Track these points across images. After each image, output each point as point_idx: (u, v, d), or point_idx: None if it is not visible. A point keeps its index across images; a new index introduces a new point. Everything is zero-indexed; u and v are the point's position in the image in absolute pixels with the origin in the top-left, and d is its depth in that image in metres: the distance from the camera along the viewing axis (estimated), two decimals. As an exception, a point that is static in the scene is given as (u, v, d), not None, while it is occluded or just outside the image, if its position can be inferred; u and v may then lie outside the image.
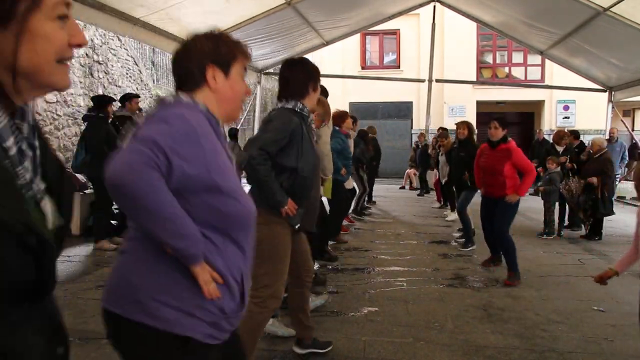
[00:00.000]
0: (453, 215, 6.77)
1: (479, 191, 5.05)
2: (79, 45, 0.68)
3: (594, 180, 5.77)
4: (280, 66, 2.35)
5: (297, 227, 2.22)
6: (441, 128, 8.83)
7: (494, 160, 4.20)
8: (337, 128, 4.75)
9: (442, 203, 8.50)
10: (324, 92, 3.67)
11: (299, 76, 2.23)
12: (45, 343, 0.74)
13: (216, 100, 1.20)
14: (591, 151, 6.20)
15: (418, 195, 10.56)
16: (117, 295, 1.10)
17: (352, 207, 6.60)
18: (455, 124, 5.83)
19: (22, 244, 0.63)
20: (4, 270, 0.62)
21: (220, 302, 1.11)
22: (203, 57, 1.19)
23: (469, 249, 5.23)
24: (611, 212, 5.97)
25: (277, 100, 2.29)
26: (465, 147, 5.28)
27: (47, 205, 0.72)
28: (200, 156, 1.07)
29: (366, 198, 8.00)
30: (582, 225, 6.33)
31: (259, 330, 2.21)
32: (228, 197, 1.11)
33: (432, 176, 11.06)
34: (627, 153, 9.33)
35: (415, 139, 14.14)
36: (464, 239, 5.45)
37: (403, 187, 11.85)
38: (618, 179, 8.82)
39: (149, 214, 1.01)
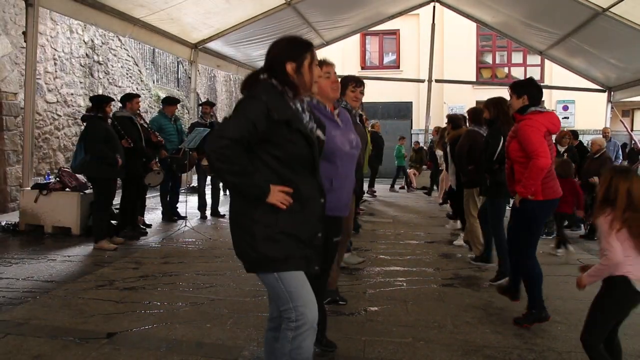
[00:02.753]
0: (460, 241, 5.32)
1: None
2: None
3: (596, 180, 5.75)
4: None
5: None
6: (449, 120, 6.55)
7: (509, 139, 3.11)
8: None
9: (453, 216, 6.38)
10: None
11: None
12: (317, 193, 1.79)
13: (319, 93, 2.33)
14: (590, 151, 6.22)
15: (425, 193, 10.59)
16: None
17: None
18: (478, 107, 4.61)
19: (305, 140, 1.73)
20: (299, 149, 1.71)
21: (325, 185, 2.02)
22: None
23: (482, 264, 4.40)
24: None
25: None
26: (488, 131, 4.04)
27: (318, 131, 1.85)
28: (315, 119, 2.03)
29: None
30: (582, 225, 6.35)
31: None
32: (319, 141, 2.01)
33: (427, 175, 10.98)
34: (620, 152, 9.35)
35: (415, 139, 14.16)
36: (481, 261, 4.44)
37: (403, 187, 11.85)
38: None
39: None
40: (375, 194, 9.92)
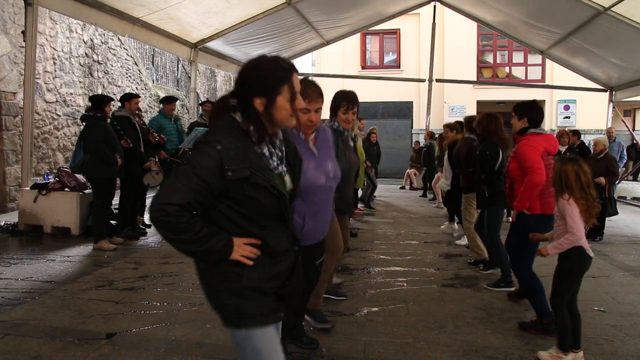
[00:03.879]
0: (464, 240, 5.29)
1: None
2: (301, 109, 1.72)
3: (602, 180, 5.69)
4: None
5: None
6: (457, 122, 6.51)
7: (510, 158, 3.34)
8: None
9: (450, 218, 6.54)
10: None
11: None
12: (288, 244, 1.53)
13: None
14: (592, 150, 6.16)
15: (420, 196, 10.36)
16: None
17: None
18: (473, 116, 4.84)
19: (270, 193, 1.42)
20: (263, 204, 1.42)
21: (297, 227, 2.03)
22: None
23: (492, 270, 4.25)
24: (616, 212, 5.94)
25: None
26: (482, 142, 4.12)
27: (287, 178, 1.53)
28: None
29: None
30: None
31: (328, 271, 2.83)
32: None
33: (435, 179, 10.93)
34: (625, 152, 9.33)
35: (415, 138, 14.15)
36: (482, 266, 4.42)
37: (403, 187, 11.84)
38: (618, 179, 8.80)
39: None
40: (372, 209, 8.24)
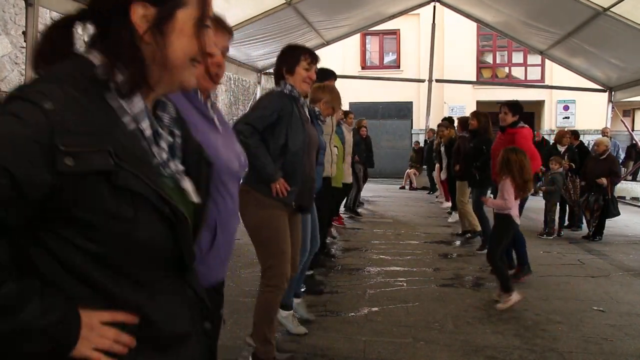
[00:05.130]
0: (455, 217, 6.54)
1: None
2: (209, 53, 0.84)
3: (604, 181, 5.69)
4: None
5: (293, 205, 2.30)
6: (444, 119, 7.89)
7: (499, 144, 4.13)
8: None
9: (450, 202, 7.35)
10: (327, 75, 3.56)
11: (277, 62, 2.42)
12: (191, 317, 0.79)
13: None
14: (595, 151, 6.14)
15: (428, 194, 10.42)
16: None
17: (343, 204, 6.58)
18: (467, 117, 5.76)
19: (158, 210, 0.69)
20: (141, 236, 0.68)
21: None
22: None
23: (484, 251, 4.69)
24: (618, 213, 5.93)
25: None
26: (475, 138, 5.12)
27: (187, 184, 0.79)
28: None
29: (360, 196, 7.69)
30: (586, 226, 6.18)
31: (272, 309, 2.34)
32: None
33: (437, 173, 11.01)
34: (621, 152, 9.34)
35: (415, 139, 14.16)
36: (468, 235, 5.51)
37: (403, 187, 11.85)
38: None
39: None
40: (358, 215, 7.37)
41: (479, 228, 5.26)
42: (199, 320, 0.81)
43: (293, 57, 2.35)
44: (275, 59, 2.41)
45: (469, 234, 5.60)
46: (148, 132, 0.74)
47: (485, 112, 5.14)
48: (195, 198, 0.79)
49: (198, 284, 0.83)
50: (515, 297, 3.29)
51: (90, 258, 0.67)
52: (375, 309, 3.33)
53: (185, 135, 0.84)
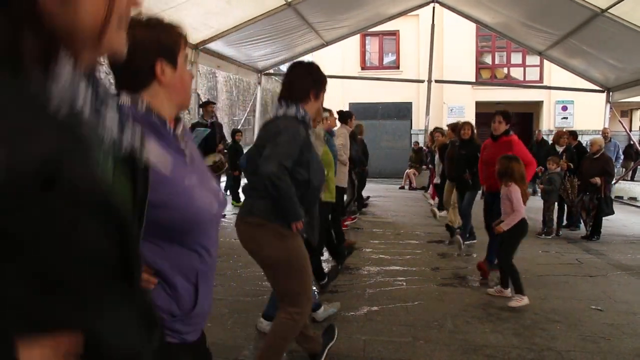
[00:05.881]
0: (443, 213, 6.81)
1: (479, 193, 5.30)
2: (135, 4, 0.66)
3: (597, 180, 5.72)
4: (280, 67, 2.35)
5: (304, 236, 2.19)
6: (437, 127, 8.55)
7: (495, 151, 4.28)
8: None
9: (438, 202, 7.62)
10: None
11: (302, 80, 2.15)
12: (140, 330, 0.69)
13: (166, 95, 1.11)
14: (589, 151, 6.19)
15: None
16: None
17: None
18: (457, 123, 5.98)
19: (103, 214, 0.58)
20: (84, 240, 0.56)
21: (167, 306, 1.09)
22: (149, 52, 1.08)
23: (470, 242, 5.43)
24: (612, 212, 5.97)
25: (277, 101, 2.20)
26: (467, 146, 5.41)
27: (152, 148, 0.67)
28: None
29: (356, 204, 7.38)
30: (583, 225, 6.23)
31: (294, 334, 2.24)
32: (158, 209, 1.00)
33: (426, 175, 11.07)
34: (621, 153, 9.36)
35: (414, 139, 14.19)
36: (459, 237, 5.59)
37: (402, 187, 11.88)
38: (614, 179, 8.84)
39: None
40: (356, 217, 7.22)
41: (457, 224, 5.81)
42: (148, 334, 0.71)
43: (322, 82, 2.19)
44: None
45: (458, 229, 5.75)
46: (86, 108, 0.60)
47: (471, 123, 5.72)
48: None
49: (145, 293, 0.77)
50: (526, 299, 3.39)
51: (17, 271, 0.52)
52: (375, 308, 3.36)
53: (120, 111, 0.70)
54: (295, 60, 2.30)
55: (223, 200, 1.24)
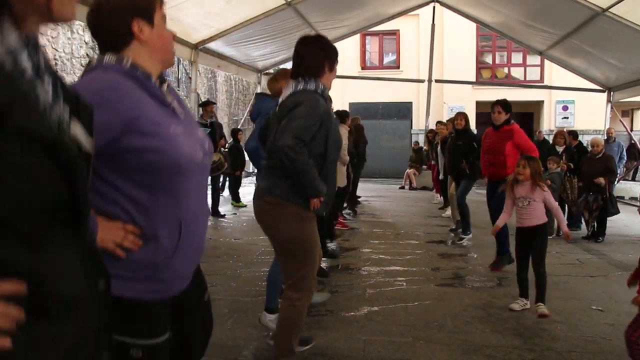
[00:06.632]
0: (449, 211, 6.81)
1: (477, 182, 5.54)
2: None
3: (602, 181, 5.68)
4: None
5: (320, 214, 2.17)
6: (439, 122, 8.45)
7: (496, 140, 4.35)
8: None
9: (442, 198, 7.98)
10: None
11: (314, 54, 2.10)
12: (85, 275, 0.71)
13: (148, 52, 1.19)
14: (590, 150, 6.14)
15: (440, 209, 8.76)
16: None
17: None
18: (453, 116, 6.07)
19: (52, 156, 0.60)
20: (33, 182, 0.58)
21: (150, 257, 1.13)
22: (125, 12, 1.15)
23: (468, 236, 5.50)
24: (618, 211, 5.94)
25: (291, 78, 2.15)
26: (462, 136, 5.49)
27: (77, 128, 0.71)
28: (111, 121, 1.06)
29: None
30: (584, 226, 6.15)
31: (302, 318, 2.24)
32: (147, 152, 1.11)
33: (426, 175, 11.06)
34: (625, 153, 9.35)
35: (415, 139, 14.17)
36: (460, 230, 5.68)
37: (403, 187, 11.87)
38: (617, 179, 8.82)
39: None
40: (356, 210, 7.63)
41: (455, 220, 6.00)
42: (92, 279, 0.72)
43: (334, 53, 2.15)
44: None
45: (459, 229, 5.88)
46: (28, 67, 0.62)
47: (465, 113, 5.76)
48: (87, 145, 0.72)
49: (92, 237, 0.77)
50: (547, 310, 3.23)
51: None
52: (375, 308, 3.35)
53: (56, 74, 0.73)
54: (302, 36, 2.29)
55: (209, 149, 1.31)
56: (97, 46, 1.20)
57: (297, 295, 2.14)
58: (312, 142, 2.01)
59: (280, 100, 2.20)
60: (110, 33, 1.16)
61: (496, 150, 4.32)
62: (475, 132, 6.09)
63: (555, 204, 3.45)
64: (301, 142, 1.95)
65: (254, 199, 2.21)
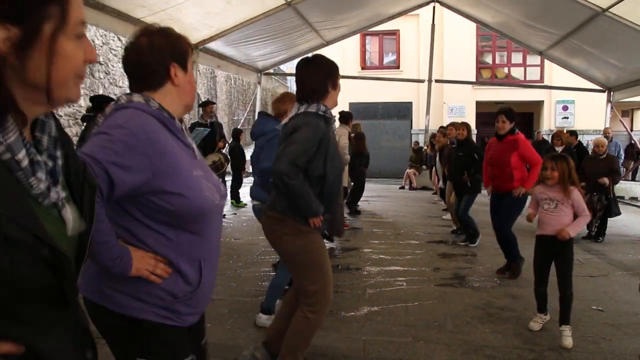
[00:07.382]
0: (448, 215, 6.81)
1: (479, 195, 5.33)
2: (92, 62, 0.74)
3: (606, 181, 5.66)
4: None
5: (325, 233, 2.22)
6: (442, 127, 8.50)
7: (500, 151, 4.17)
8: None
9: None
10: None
11: (314, 76, 2.12)
12: (74, 348, 0.78)
13: (177, 96, 1.26)
14: (596, 152, 6.10)
15: (434, 194, 9.77)
16: (89, 285, 1.22)
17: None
18: (453, 124, 5.96)
19: (34, 253, 0.67)
20: (15, 278, 0.65)
21: (171, 288, 1.21)
22: (165, 54, 1.21)
23: (476, 243, 5.36)
24: (619, 212, 5.94)
25: (297, 103, 2.17)
26: (464, 147, 5.30)
27: (69, 213, 0.76)
28: (144, 163, 1.12)
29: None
30: (586, 226, 6.13)
31: (313, 333, 2.25)
32: (173, 196, 1.16)
33: (426, 175, 11.07)
34: (622, 153, 9.35)
35: (414, 139, 14.17)
36: (466, 237, 5.55)
37: (403, 187, 11.87)
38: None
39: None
40: (358, 211, 7.61)
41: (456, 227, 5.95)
42: (81, 353, 0.81)
43: (334, 69, 2.15)
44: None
45: (459, 232, 5.88)
46: (25, 162, 0.67)
47: (468, 123, 5.59)
48: (77, 227, 0.76)
49: (81, 314, 0.84)
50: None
51: None
52: (375, 308, 3.35)
53: (68, 154, 0.78)
54: (300, 59, 2.27)
55: (224, 192, 1.37)
56: (127, 84, 1.27)
57: (310, 308, 2.17)
58: (310, 164, 2.05)
59: (283, 122, 2.29)
60: (149, 72, 1.21)
61: (501, 162, 4.14)
62: (476, 132, 6.03)
63: (586, 213, 2.95)
64: (296, 167, 2.00)
65: (261, 214, 2.32)
